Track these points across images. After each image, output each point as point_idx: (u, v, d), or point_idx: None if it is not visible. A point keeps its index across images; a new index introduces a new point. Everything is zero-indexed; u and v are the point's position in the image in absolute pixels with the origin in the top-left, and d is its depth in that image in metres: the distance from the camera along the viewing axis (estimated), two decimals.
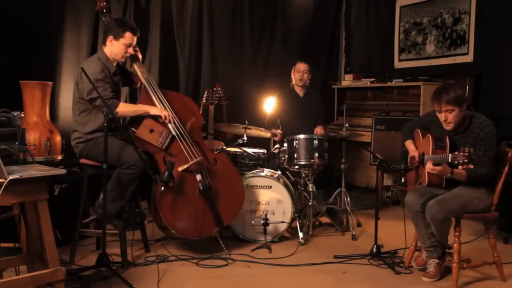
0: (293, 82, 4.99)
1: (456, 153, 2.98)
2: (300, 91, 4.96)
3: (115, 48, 3.55)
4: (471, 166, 2.96)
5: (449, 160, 3.02)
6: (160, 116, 3.57)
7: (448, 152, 3.16)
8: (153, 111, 3.56)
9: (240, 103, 5.92)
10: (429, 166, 3.13)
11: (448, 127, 3.22)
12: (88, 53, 4.95)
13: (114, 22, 3.63)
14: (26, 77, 4.11)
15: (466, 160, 2.93)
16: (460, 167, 2.99)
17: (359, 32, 6.88)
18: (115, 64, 3.61)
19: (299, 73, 4.88)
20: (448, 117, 3.18)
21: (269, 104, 4.95)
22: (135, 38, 3.60)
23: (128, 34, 3.54)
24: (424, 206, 3.22)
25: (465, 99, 3.18)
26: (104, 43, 3.59)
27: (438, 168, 3.10)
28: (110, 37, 3.54)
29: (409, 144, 3.51)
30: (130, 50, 3.61)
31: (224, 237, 3.94)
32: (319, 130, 4.69)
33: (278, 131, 4.75)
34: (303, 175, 4.38)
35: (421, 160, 3.34)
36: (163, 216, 3.49)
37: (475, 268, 3.43)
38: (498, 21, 5.21)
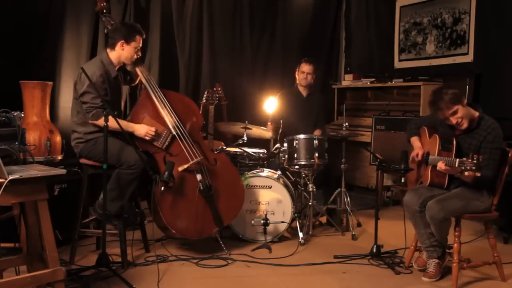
0: (297, 81, 4.96)
1: (464, 159, 2.94)
2: (303, 91, 4.94)
3: (126, 52, 3.56)
4: (478, 174, 2.91)
5: (456, 165, 2.99)
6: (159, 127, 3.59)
7: (454, 154, 3.15)
8: (137, 132, 3.53)
9: (240, 103, 5.91)
10: (440, 166, 3.11)
11: (463, 127, 3.19)
12: (88, 53, 4.95)
13: (123, 26, 3.66)
14: (26, 77, 4.11)
15: (474, 168, 2.88)
16: (466, 173, 2.94)
17: (359, 32, 6.88)
18: (116, 69, 3.61)
19: (303, 74, 4.85)
20: (457, 119, 3.15)
21: (272, 104, 4.86)
22: (141, 41, 3.62)
23: (138, 38, 3.58)
24: (423, 206, 3.22)
25: (460, 94, 3.17)
26: (112, 47, 3.58)
27: (448, 168, 3.09)
28: (122, 41, 3.54)
29: (414, 141, 3.48)
30: (139, 53, 3.63)
31: (224, 237, 3.94)
32: (317, 133, 4.71)
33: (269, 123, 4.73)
34: (303, 175, 4.38)
35: (425, 159, 3.33)
36: (163, 216, 3.49)
37: (475, 268, 3.43)
38: (498, 21, 5.21)
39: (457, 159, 3.00)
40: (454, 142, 3.21)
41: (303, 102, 4.92)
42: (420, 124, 3.54)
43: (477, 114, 3.22)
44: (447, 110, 3.13)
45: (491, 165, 3.11)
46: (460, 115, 3.14)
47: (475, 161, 2.88)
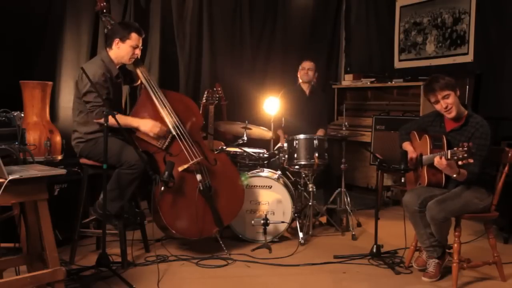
0: (299, 80, 5.00)
1: (455, 149, 2.97)
2: (306, 89, 4.96)
3: (121, 50, 3.56)
4: (471, 161, 2.93)
5: (448, 157, 3.01)
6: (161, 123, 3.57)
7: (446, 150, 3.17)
8: (143, 127, 3.52)
9: (240, 103, 5.92)
10: (437, 160, 3.08)
11: (451, 114, 3.24)
12: (88, 53, 4.95)
13: (119, 25, 3.66)
14: (26, 77, 4.11)
15: (465, 155, 2.91)
16: (460, 162, 2.97)
17: (359, 32, 6.89)
18: (118, 67, 3.61)
19: (304, 70, 4.93)
20: (448, 103, 3.21)
21: (274, 105, 4.71)
22: (140, 40, 3.60)
23: (134, 35, 3.55)
24: (422, 206, 3.22)
25: (455, 84, 3.24)
26: (109, 46, 3.58)
27: (447, 162, 3.08)
28: (117, 40, 3.54)
29: (407, 146, 3.53)
30: (137, 52, 3.61)
31: (224, 237, 3.94)
32: (320, 133, 4.72)
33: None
34: (303, 175, 4.39)
35: (419, 161, 3.35)
36: (163, 216, 3.49)
37: (475, 268, 3.43)
38: (498, 21, 5.22)
39: (449, 151, 3.03)
40: (444, 139, 3.24)
41: (306, 100, 4.95)
42: (410, 130, 3.59)
43: (466, 112, 3.28)
44: (440, 92, 3.20)
45: (477, 161, 3.11)
46: (451, 101, 3.20)
47: (465, 149, 2.91)
